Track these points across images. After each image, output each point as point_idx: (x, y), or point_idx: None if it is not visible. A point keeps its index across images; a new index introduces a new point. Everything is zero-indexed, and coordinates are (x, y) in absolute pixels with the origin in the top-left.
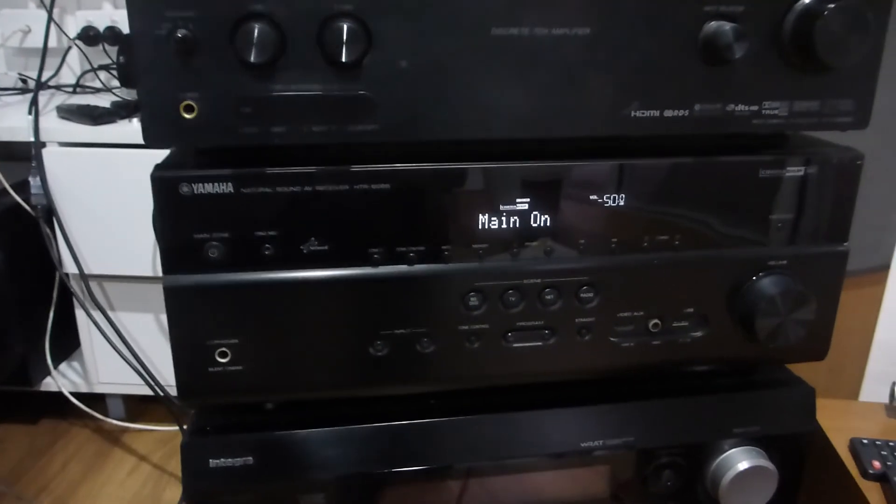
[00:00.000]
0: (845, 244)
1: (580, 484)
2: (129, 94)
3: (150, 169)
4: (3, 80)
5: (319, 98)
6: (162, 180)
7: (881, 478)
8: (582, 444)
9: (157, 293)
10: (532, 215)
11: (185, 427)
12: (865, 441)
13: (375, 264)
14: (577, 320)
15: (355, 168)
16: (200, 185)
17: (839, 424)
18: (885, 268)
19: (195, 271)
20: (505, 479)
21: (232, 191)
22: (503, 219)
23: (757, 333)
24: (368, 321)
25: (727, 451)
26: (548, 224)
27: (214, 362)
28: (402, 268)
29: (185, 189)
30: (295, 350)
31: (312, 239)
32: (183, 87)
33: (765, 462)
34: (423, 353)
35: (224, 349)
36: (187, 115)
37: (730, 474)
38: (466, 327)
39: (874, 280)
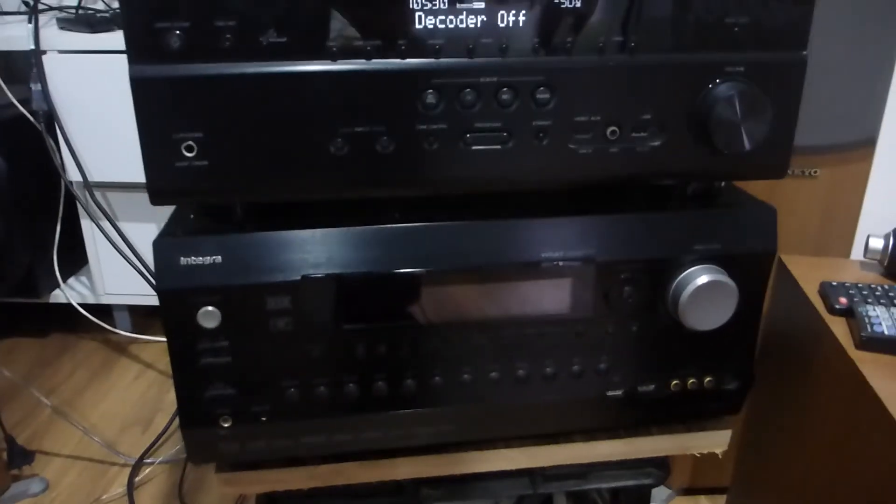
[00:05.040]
0: (804, 52)
1: (541, 298)
2: None
3: None
4: (6, 3)
5: None
6: None
7: (846, 312)
8: (542, 255)
9: None
10: (487, 13)
11: None
12: (835, 283)
13: (333, 58)
14: (534, 123)
15: None
16: None
17: (812, 275)
18: (872, 143)
19: (159, 62)
20: (465, 290)
21: None
22: (459, 16)
23: (713, 138)
24: (328, 117)
25: (687, 268)
26: (503, 23)
27: (181, 156)
28: (360, 62)
29: None
30: (257, 146)
31: (271, 30)
32: None
33: (724, 278)
34: (382, 153)
35: (190, 143)
36: None
37: (689, 289)
38: (425, 127)
39: (860, 156)
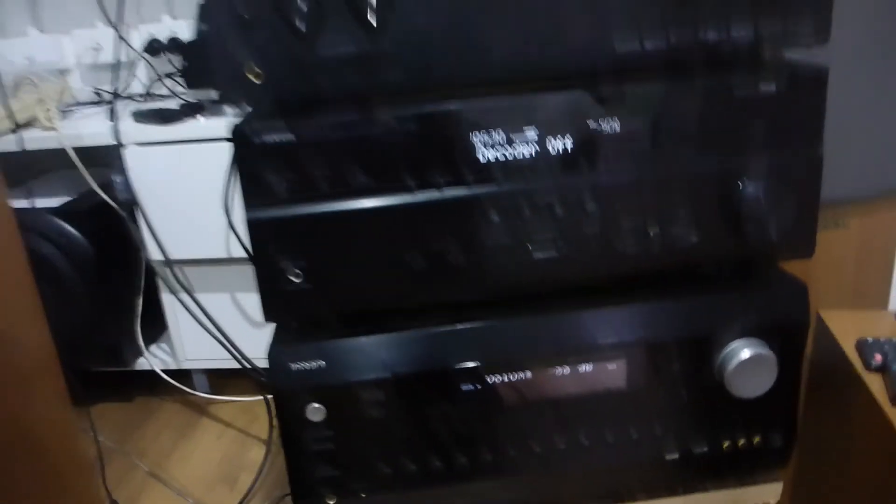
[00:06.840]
0: (819, 150)
1: (601, 377)
2: (194, 96)
3: (217, 160)
4: (79, 94)
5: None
6: (240, 133)
7: (882, 369)
8: (600, 341)
9: (231, 274)
10: (539, 143)
11: (266, 396)
12: (870, 340)
13: (411, 191)
14: (585, 231)
15: (386, 112)
16: (269, 135)
17: (851, 328)
18: None
19: (268, 207)
20: (535, 375)
21: (293, 139)
22: (515, 146)
23: (745, 233)
24: (408, 240)
25: (731, 343)
26: (554, 150)
27: (289, 282)
28: (434, 193)
29: (256, 140)
30: (352, 267)
31: (359, 174)
32: (249, 57)
33: (765, 351)
34: (456, 266)
35: (297, 270)
36: (255, 80)
37: (733, 363)
38: (491, 241)
39: (889, 205)
